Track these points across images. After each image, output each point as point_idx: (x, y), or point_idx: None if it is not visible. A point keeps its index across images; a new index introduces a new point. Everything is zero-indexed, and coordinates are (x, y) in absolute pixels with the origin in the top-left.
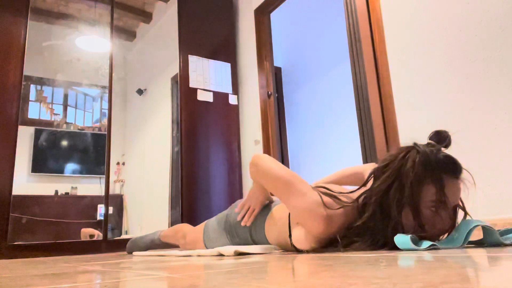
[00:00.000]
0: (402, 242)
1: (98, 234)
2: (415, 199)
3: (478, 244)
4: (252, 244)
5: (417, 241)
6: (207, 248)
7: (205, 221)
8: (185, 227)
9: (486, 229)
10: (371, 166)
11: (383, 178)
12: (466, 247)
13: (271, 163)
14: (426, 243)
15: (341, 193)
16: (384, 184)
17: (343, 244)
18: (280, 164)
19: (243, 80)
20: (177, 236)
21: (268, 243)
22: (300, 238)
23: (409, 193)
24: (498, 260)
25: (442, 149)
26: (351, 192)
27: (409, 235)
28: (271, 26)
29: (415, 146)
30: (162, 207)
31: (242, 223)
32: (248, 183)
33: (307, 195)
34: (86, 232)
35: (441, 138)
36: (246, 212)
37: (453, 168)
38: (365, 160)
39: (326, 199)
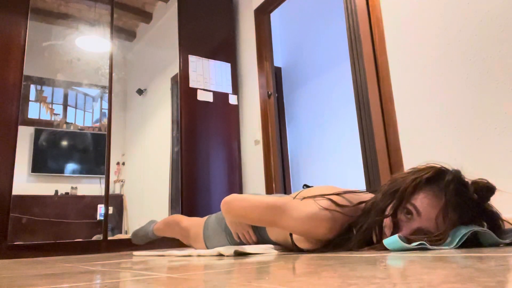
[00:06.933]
0: (391, 242)
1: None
2: (404, 195)
3: (477, 245)
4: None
5: (404, 240)
6: (206, 245)
7: (206, 217)
8: (181, 219)
9: (481, 233)
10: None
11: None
12: (466, 247)
13: (242, 199)
14: (416, 243)
15: (347, 192)
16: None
17: (343, 241)
18: (250, 195)
19: (243, 80)
20: (175, 230)
21: (270, 240)
22: (301, 238)
23: (404, 188)
24: (498, 260)
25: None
26: (352, 192)
27: (396, 235)
28: (271, 26)
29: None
30: (162, 207)
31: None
32: (248, 183)
33: (300, 205)
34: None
35: (487, 193)
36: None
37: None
38: (365, 160)
39: (324, 202)
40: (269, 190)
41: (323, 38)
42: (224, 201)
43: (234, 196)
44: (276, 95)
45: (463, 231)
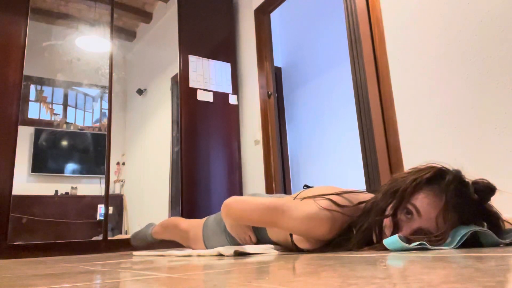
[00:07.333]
0: (391, 242)
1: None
2: (405, 195)
3: (477, 245)
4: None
5: (404, 240)
6: (205, 245)
7: (205, 218)
8: (179, 222)
9: (481, 233)
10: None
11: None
12: (465, 247)
13: (242, 201)
14: (416, 243)
15: (347, 192)
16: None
17: (343, 241)
18: (250, 196)
19: (243, 80)
20: (173, 232)
21: (270, 240)
22: (301, 238)
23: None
24: (498, 260)
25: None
26: (352, 192)
27: (396, 235)
28: (271, 26)
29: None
30: (162, 207)
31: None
32: (248, 183)
33: (300, 205)
34: None
35: (488, 193)
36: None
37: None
38: (365, 160)
39: (324, 202)
40: (269, 190)
41: (323, 38)
42: (225, 204)
43: (234, 199)
44: (276, 95)
45: (463, 231)
